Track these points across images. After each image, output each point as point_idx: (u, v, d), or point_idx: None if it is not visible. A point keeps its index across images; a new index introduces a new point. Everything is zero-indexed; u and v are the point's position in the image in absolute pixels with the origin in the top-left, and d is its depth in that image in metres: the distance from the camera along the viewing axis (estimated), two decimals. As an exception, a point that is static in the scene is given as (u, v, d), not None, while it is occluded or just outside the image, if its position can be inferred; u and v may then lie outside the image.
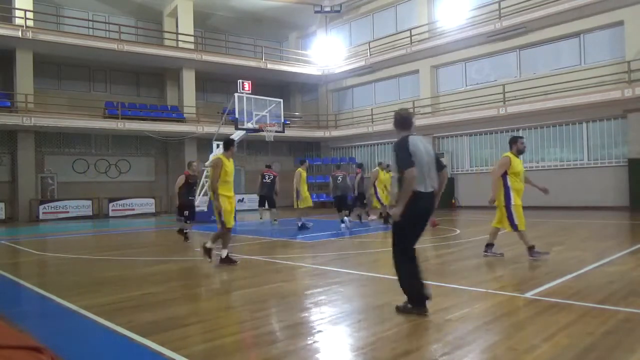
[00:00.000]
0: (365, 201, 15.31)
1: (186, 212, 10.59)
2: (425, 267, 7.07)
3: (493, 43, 20.05)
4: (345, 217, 12.99)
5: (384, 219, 13.84)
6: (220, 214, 7.19)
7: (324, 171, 26.58)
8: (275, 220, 14.45)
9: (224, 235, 7.35)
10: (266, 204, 14.94)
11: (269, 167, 15.55)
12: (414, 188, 4.13)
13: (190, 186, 10.62)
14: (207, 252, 7.42)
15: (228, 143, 7.55)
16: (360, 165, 16.18)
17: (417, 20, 23.04)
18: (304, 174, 13.04)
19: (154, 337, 3.75)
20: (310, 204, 13.35)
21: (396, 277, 4.43)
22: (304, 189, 12.97)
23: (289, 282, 6.07)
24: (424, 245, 9.49)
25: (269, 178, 14.58)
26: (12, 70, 20.22)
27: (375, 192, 14.00)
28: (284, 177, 27.18)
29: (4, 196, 19.87)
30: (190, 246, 9.99)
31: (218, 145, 17.57)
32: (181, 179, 10.54)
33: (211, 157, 17.68)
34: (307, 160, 14.05)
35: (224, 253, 7.28)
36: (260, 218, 16.62)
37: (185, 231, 10.58)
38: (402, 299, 4.99)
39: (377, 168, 14.24)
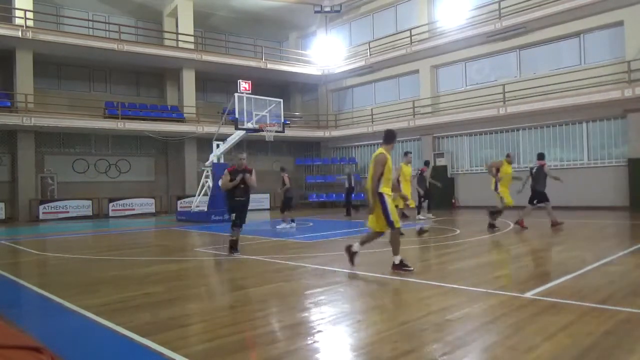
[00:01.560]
0: (428, 198, 15.42)
1: (233, 215, 8.33)
2: (425, 267, 7.08)
3: (493, 43, 20.05)
4: (287, 221, 13.16)
5: (490, 225, 11.19)
6: (387, 215, 6.21)
7: (324, 171, 26.61)
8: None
9: (394, 238, 6.28)
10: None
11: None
12: None
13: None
14: (352, 255, 6.56)
15: (392, 135, 6.52)
16: (427, 163, 16.39)
17: (417, 20, 23.04)
18: (405, 169, 11.30)
19: (154, 337, 3.75)
20: (412, 204, 10.92)
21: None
22: (404, 187, 10.98)
23: (289, 282, 6.07)
24: (424, 246, 9.49)
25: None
26: (12, 70, 20.22)
27: (496, 188, 11.38)
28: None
29: (4, 196, 19.86)
30: (194, 246, 9.97)
31: (218, 145, 17.59)
32: (226, 176, 8.32)
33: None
34: (410, 153, 12.05)
35: (397, 259, 6.20)
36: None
37: (233, 238, 8.42)
38: (401, 298, 5.00)
39: (503, 159, 11.71)
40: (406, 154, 11.95)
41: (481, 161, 20.79)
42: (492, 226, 11.10)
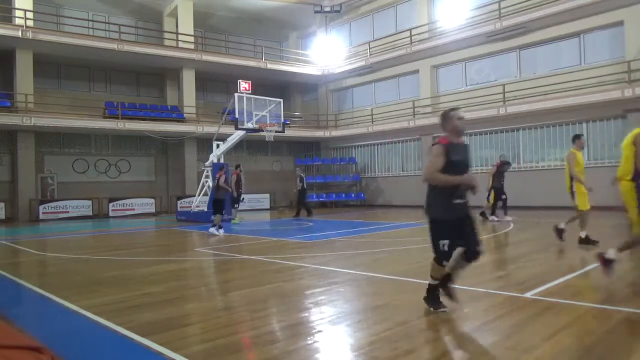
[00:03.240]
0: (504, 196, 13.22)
1: (445, 244, 4.49)
2: (425, 267, 7.08)
3: (493, 43, 20.04)
4: (214, 227, 12.23)
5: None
6: None
7: (324, 171, 26.59)
8: (239, 219, 16.29)
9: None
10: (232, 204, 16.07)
11: (237, 167, 16.30)
12: None
13: (452, 165, 4.34)
14: (607, 264, 5.40)
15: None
16: (503, 157, 14.68)
17: (417, 20, 23.04)
18: (579, 156, 8.82)
19: (154, 337, 3.75)
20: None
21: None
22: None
23: (289, 282, 6.07)
24: (424, 246, 9.49)
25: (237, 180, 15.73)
26: (12, 70, 20.21)
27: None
28: (284, 177, 27.27)
29: (4, 196, 19.85)
30: (194, 246, 9.91)
31: (218, 145, 17.59)
32: (439, 157, 4.35)
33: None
34: (581, 135, 9.10)
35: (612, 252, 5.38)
36: (235, 219, 16.33)
37: (440, 275, 4.62)
38: (401, 298, 5.00)
39: None
40: (578, 137, 8.77)
41: (481, 161, 20.78)
42: None
